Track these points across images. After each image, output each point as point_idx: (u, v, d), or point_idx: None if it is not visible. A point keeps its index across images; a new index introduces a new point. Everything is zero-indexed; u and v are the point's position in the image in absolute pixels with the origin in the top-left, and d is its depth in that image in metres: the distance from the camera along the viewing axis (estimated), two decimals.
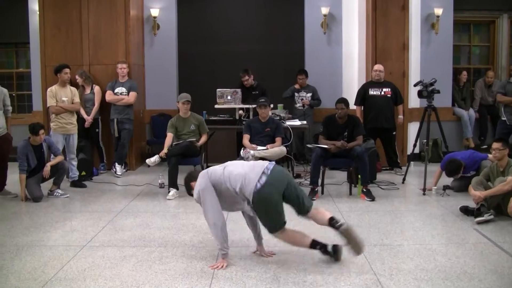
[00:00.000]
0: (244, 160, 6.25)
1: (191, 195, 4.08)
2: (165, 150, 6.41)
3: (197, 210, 5.55)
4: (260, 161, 4.09)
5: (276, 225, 3.87)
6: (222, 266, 3.85)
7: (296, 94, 8.44)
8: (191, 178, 4.09)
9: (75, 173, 7.01)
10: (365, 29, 8.48)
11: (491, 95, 9.02)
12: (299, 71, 8.52)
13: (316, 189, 6.24)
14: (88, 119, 7.75)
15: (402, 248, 4.32)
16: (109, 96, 7.84)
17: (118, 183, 7.25)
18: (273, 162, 4.03)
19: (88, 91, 7.88)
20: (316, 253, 4.05)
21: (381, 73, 7.72)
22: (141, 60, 8.92)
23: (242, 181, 3.79)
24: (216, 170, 3.94)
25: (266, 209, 3.81)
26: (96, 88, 7.89)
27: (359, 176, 6.25)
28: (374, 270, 3.78)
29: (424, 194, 6.32)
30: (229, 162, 4.11)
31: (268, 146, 6.47)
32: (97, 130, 7.98)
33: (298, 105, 8.42)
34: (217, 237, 3.87)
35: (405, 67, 8.25)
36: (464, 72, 9.13)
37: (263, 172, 3.80)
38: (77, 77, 7.81)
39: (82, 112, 7.69)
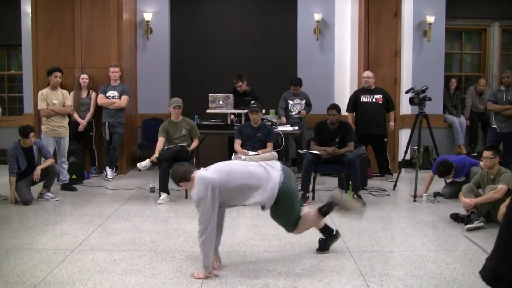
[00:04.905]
0: None
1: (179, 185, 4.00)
2: (156, 155, 6.38)
3: (188, 215, 5.58)
4: (268, 162, 4.01)
5: (297, 216, 3.93)
6: (203, 277, 3.73)
7: (290, 102, 8.31)
8: (183, 178, 3.86)
9: (65, 177, 6.98)
10: (357, 35, 8.52)
11: (482, 102, 9.06)
12: (293, 81, 8.27)
13: (307, 195, 6.25)
14: (83, 122, 7.72)
15: (393, 255, 4.33)
16: (101, 99, 7.81)
17: (109, 187, 7.22)
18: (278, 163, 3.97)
19: (84, 95, 7.86)
20: (306, 259, 4.07)
21: (369, 79, 7.74)
22: (134, 64, 8.89)
23: (260, 180, 3.77)
24: (217, 173, 3.77)
25: (293, 200, 3.87)
26: (93, 94, 7.87)
27: (350, 182, 6.25)
28: (364, 276, 3.79)
29: (415, 200, 6.34)
30: (226, 164, 4.01)
31: (260, 151, 6.47)
32: (91, 133, 7.96)
33: (293, 113, 8.29)
34: (203, 249, 3.72)
35: (397, 74, 8.30)
36: (453, 80, 9.17)
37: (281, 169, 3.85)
38: (85, 76, 7.78)
39: (76, 115, 7.67)
